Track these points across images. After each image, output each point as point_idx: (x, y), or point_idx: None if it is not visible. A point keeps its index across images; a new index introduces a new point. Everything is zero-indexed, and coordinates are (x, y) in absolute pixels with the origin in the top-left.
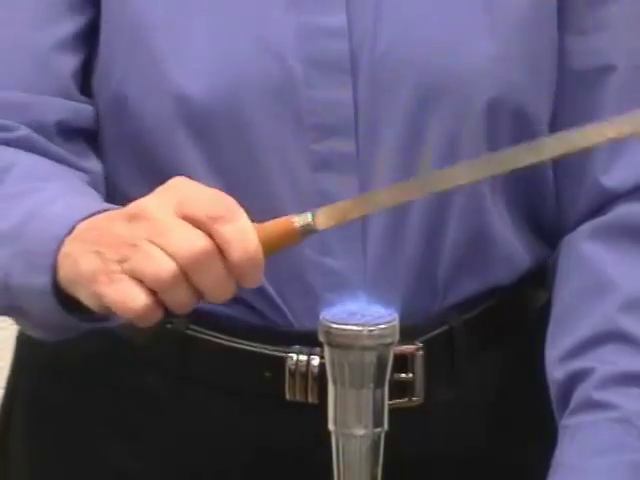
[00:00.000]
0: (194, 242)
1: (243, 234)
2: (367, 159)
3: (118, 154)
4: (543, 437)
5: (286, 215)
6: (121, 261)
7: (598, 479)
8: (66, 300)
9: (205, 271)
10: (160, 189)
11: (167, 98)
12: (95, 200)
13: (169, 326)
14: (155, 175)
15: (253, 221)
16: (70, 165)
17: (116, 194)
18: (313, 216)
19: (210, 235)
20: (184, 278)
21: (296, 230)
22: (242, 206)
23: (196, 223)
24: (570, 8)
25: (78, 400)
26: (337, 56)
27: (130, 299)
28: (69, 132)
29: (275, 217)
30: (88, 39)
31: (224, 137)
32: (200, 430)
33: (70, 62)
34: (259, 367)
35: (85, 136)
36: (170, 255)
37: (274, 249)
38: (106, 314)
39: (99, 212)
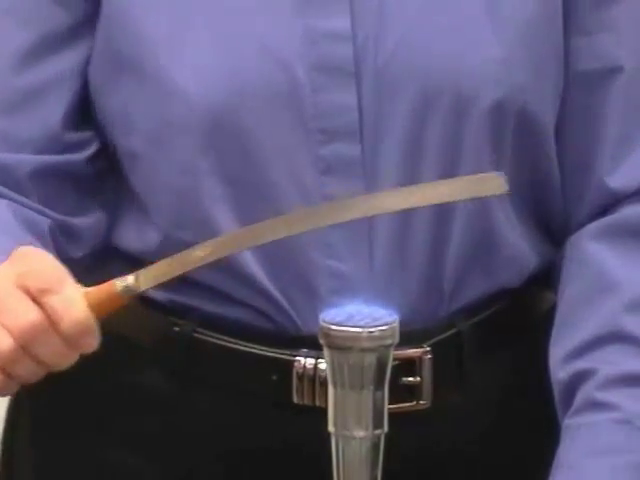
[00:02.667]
0: (25, 316)
1: (69, 304)
2: (372, 162)
3: (131, 167)
4: (550, 438)
5: None
6: None
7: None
8: None
9: (41, 344)
10: (9, 259)
11: (171, 104)
12: None
13: (176, 329)
14: (166, 186)
15: (87, 284)
16: (36, 212)
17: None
18: (136, 277)
19: (41, 307)
20: (23, 352)
21: (118, 293)
22: (249, 211)
23: (32, 296)
24: (575, 9)
25: (83, 401)
26: (341, 60)
27: None
28: (44, 183)
29: None
30: (84, 68)
31: (229, 142)
32: (206, 433)
33: (61, 100)
34: (266, 370)
35: (66, 181)
36: (7, 330)
37: (104, 312)
38: None
39: None
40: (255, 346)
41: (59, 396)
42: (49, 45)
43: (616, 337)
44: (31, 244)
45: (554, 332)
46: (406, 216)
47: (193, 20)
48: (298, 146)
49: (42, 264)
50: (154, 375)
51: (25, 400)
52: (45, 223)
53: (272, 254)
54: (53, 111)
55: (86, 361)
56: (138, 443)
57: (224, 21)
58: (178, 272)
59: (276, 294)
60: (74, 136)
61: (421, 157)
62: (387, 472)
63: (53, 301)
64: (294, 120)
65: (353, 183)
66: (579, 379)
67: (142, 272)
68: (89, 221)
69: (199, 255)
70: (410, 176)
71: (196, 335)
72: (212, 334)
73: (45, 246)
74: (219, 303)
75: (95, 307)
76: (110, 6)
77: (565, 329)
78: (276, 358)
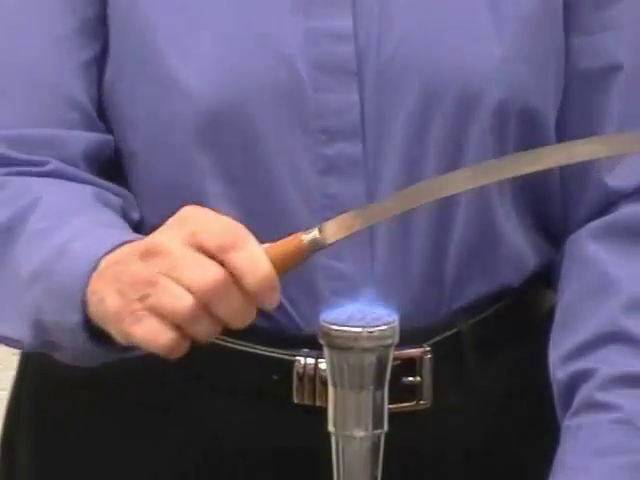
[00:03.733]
0: (207, 274)
1: (254, 260)
2: (374, 162)
3: (130, 164)
4: (550, 438)
5: (293, 219)
6: (142, 299)
7: None
8: (98, 333)
9: (222, 301)
10: (171, 221)
11: (172, 102)
12: (120, 231)
13: None
14: (165, 184)
15: (263, 242)
16: (103, 189)
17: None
18: (320, 230)
19: (223, 264)
20: (203, 310)
21: (305, 246)
22: (250, 210)
23: (209, 253)
24: (576, 8)
25: (83, 401)
26: (343, 59)
27: (157, 337)
28: (94, 162)
29: (282, 221)
30: (102, 63)
31: (231, 141)
32: (206, 432)
33: (90, 90)
34: (267, 370)
35: (109, 164)
36: (186, 289)
37: (287, 268)
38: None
39: (121, 245)
40: (255, 346)
41: (58, 396)
42: (87, 31)
43: (616, 337)
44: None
45: (553, 332)
46: (406, 216)
47: (195, 18)
48: (299, 145)
49: (216, 221)
50: (153, 375)
51: (25, 400)
52: (117, 202)
53: None
54: (87, 94)
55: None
56: (137, 442)
57: (226, 20)
58: (363, 224)
59: None
60: (102, 126)
61: (423, 157)
62: (387, 472)
63: (236, 258)
64: (296, 119)
65: (354, 183)
66: (579, 379)
67: (327, 224)
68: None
69: (385, 207)
70: (412, 176)
71: None
72: None
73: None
74: None
75: (279, 262)
76: (114, 4)
77: (564, 329)
78: (276, 358)
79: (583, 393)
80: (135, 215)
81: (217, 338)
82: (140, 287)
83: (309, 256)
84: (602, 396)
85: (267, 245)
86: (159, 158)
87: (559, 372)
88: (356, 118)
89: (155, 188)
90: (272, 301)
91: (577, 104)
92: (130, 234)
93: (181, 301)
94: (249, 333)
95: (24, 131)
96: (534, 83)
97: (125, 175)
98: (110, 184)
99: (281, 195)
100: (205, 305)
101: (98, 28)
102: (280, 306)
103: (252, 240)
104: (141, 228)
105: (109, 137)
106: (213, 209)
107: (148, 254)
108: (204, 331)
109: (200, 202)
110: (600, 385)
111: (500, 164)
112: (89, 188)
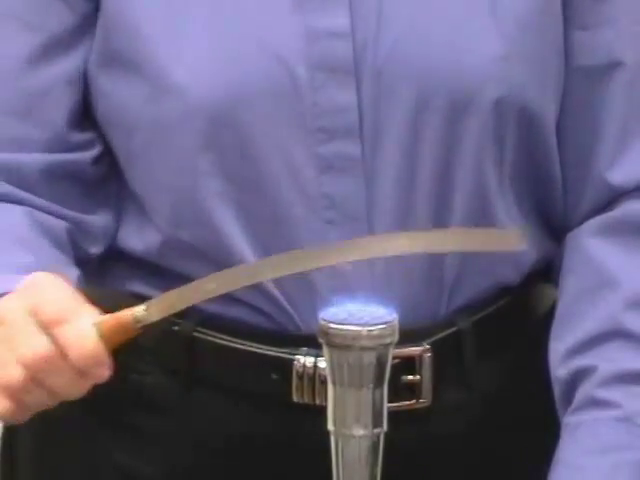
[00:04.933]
0: (36, 347)
1: (80, 336)
2: (372, 161)
3: (129, 167)
4: (550, 435)
5: (292, 218)
6: None
7: (599, 477)
8: None
9: (51, 374)
10: (20, 289)
11: (169, 102)
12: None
13: (176, 328)
14: (164, 186)
15: (248, 238)
16: (52, 213)
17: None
18: (147, 307)
19: (52, 338)
20: (34, 382)
21: (131, 322)
22: (248, 210)
23: (43, 326)
24: (576, 4)
25: (83, 401)
26: (341, 59)
27: None
28: (54, 183)
29: (280, 220)
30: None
31: (228, 140)
32: (206, 431)
33: (66, 101)
34: (266, 369)
35: (75, 181)
36: (17, 361)
37: (116, 342)
38: None
39: None
40: (255, 345)
41: None
42: (55, 46)
43: (616, 334)
44: (49, 255)
45: (554, 329)
46: (405, 214)
47: (191, 18)
48: (297, 145)
49: (55, 294)
50: (154, 374)
51: None
52: (62, 227)
53: (272, 253)
54: (59, 111)
55: None
56: (138, 442)
57: (223, 19)
58: (188, 303)
59: (276, 293)
60: (80, 136)
61: (421, 155)
62: (387, 471)
63: (64, 333)
64: (294, 119)
65: (353, 182)
66: (579, 376)
67: (153, 302)
68: (100, 219)
69: (210, 287)
70: (409, 175)
71: (196, 334)
72: (212, 333)
73: (63, 251)
74: (219, 302)
75: (106, 338)
76: (108, 5)
77: (565, 326)
78: (276, 357)
79: (583, 390)
80: (90, 246)
81: (217, 337)
82: None
83: (136, 332)
84: (602, 393)
85: (99, 318)
86: (157, 160)
87: (559, 369)
88: (354, 117)
89: (154, 190)
90: (100, 376)
91: (577, 101)
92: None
93: (11, 373)
94: (249, 332)
95: None
96: (533, 82)
97: (125, 178)
98: (61, 210)
99: (279, 195)
100: (35, 378)
101: (73, 41)
102: (279, 305)
103: (84, 315)
104: (148, 229)
105: (76, 155)
106: (212, 209)
107: None
108: (38, 402)
109: (199, 202)
110: (600, 382)
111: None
112: (26, 211)
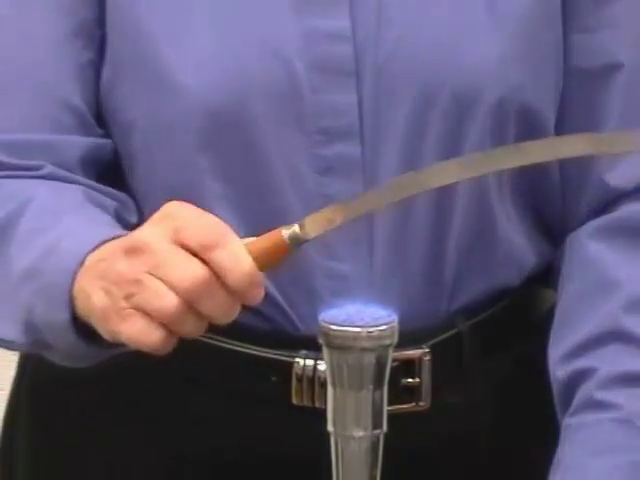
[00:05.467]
0: (191, 273)
1: (236, 258)
2: (372, 162)
3: (130, 167)
4: (550, 438)
5: (292, 219)
6: (127, 297)
7: (599, 479)
8: (87, 332)
9: (207, 299)
10: (155, 217)
11: (171, 102)
12: (107, 228)
13: None
14: (165, 185)
15: (247, 236)
16: (96, 191)
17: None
18: (301, 225)
19: (205, 262)
20: (189, 308)
21: (285, 241)
22: (249, 211)
23: (192, 251)
24: (575, 6)
25: (82, 401)
26: (341, 60)
27: (144, 335)
28: (91, 167)
29: (281, 222)
30: (99, 66)
31: (230, 141)
32: (205, 434)
33: (86, 93)
34: (265, 372)
35: (107, 168)
36: (171, 288)
37: (270, 263)
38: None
39: (107, 241)
40: (254, 347)
41: (58, 397)
42: (85, 32)
43: (616, 336)
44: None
45: (553, 331)
46: (405, 216)
47: (193, 18)
48: (298, 146)
49: (199, 219)
50: (152, 376)
51: (25, 399)
52: (111, 205)
53: None
54: (85, 97)
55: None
56: (136, 443)
57: (224, 19)
58: (345, 218)
59: (275, 295)
60: (99, 131)
61: (421, 157)
62: (386, 472)
63: (218, 256)
64: (294, 120)
65: (353, 183)
66: (579, 378)
67: (307, 219)
68: (128, 196)
69: (366, 200)
70: None
71: (194, 336)
72: (210, 335)
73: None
74: None
75: (261, 258)
76: (111, 3)
77: (564, 328)
78: (275, 359)
79: (583, 392)
80: (132, 219)
81: (217, 340)
82: (125, 285)
83: (291, 251)
84: (602, 395)
85: (249, 241)
86: (158, 159)
87: (559, 371)
88: (354, 118)
89: (155, 189)
90: (255, 297)
91: (576, 103)
92: (119, 231)
93: (166, 301)
94: (248, 334)
95: (19, 136)
96: (533, 83)
97: (125, 178)
98: (105, 188)
99: (280, 196)
100: (190, 303)
101: (95, 31)
102: (279, 307)
103: (234, 238)
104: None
105: (106, 141)
106: (212, 209)
107: (132, 251)
108: (191, 328)
109: (199, 202)
110: (600, 384)
111: (487, 157)
112: (80, 189)
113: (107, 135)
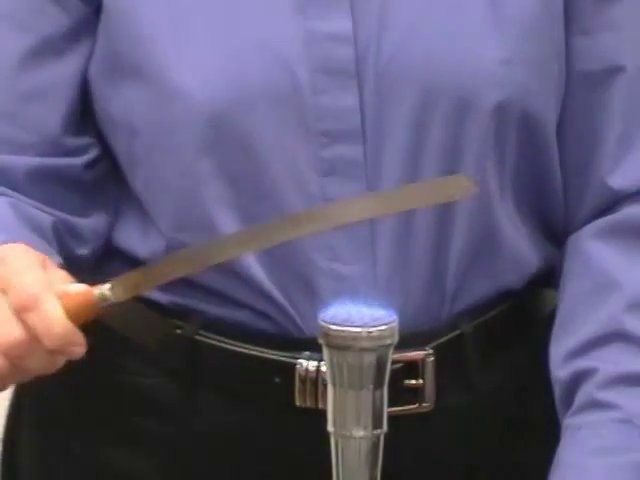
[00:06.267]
0: (10, 334)
1: (49, 322)
2: (374, 164)
3: (132, 171)
4: (551, 438)
5: None
6: None
7: (599, 479)
8: None
9: (28, 357)
10: None
11: (172, 105)
12: None
13: (178, 331)
14: (167, 189)
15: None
16: (37, 209)
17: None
18: (112, 287)
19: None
20: (12, 365)
21: (95, 301)
22: (251, 213)
23: (14, 311)
24: (577, 9)
25: (84, 402)
26: (343, 62)
27: None
28: (41, 182)
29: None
30: (84, 72)
31: (230, 143)
32: (208, 435)
33: (60, 105)
34: (268, 373)
35: (65, 184)
36: None
37: (83, 318)
38: None
39: None
40: (257, 348)
41: (60, 397)
42: (49, 49)
43: (617, 336)
44: (29, 240)
45: (555, 331)
46: (408, 218)
47: (194, 21)
48: (300, 148)
49: (20, 275)
50: (156, 377)
51: (26, 400)
52: (47, 220)
53: (274, 256)
54: (53, 115)
55: (88, 362)
56: (139, 444)
57: (225, 22)
58: (153, 284)
59: (278, 296)
60: (74, 141)
61: (423, 159)
62: (388, 474)
63: (32, 319)
64: (296, 122)
65: (355, 185)
66: (580, 378)
67: (117, 281)
68: (91, 222)
69: (173, 267)
70: (412, 177)
71: (198, 337)
72: (214, 336)
73: (47, 241)
74: (221, 305)
75: (74, 315)
76: (110, 8)
77: (566, 328)
78: (278, 361)
79: (584, 392)
80: (80, 249)
81: (220, 341)
82: None
83: (99, 310)
84: (603, 395)
85: (66, 294)
86: (160, 163)
87: (560, 371)
88: (356, 120)
89: (157, 193)
90: (76, 353)
91: (578, 105)
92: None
93: None
94: (251, 336)
95: None
96: (534, 86)
97: (129, 183)
98: (52, 209)
99: (282, 198)
100: (13, 362)
101: (65, 44)
102: (282, 309)
103: (49, 298)
104: (151, 231)
105: (69, 161)
106: (214, 212)
107: None
108: (13, 380)
109: (201, 205)
110: (601, 384)
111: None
112: (9, 200)
113: (95, 143)
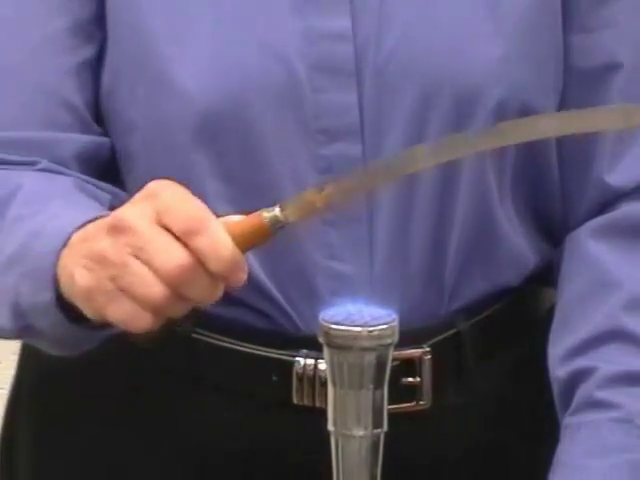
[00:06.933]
0: (175, 259)
1: (216, 245)
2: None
3: (129, 167)
4: (550, 438)
5: None
6: (113, 278)
7: (599, 478)
8: (74, 313)
9: (190, 284)
10: (138, 196)
11: (170, 103)
12: (93, 211)
13: (176, 329)
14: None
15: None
16: (91, 184)
17: None
18: (282, 208)
19: (188, 248)
20: (174, 294)
21: (266, 224)
22: (250, 211)
23: (174, 235)
24: (574, 6)
25: (84, 402)
26: (342, 59)
27: (132, 319)
28: (88, 164)
29: None
30: (98, 66)
31: (230, 142)
32: (205, 433)
33: (83, 92)
34: (266, 371)
35: (105, 167)
36: (155, 273)
37: (251, 245)
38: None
39: (92, 221)
40: (255, 347)
41: (58, 395)
42: (81, 31)
43: (616, 335)
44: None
45: (553, 330)
46: (406, 216)
47: (193, 19)
48: (299, 146)
49: (181, 203)
50: (154, 375)
51: (25, 399)
52: (106, 197)
53: (272, 254)
54: (89, 95)
55: (86, 361)
56: (137, 443)
57: (224, 20)
58: (326, 202)
59: (276, 294)
60: (97, 127)
61: None
62: (387, 472)
63: (199, 243)
64: (295, 120)
65: None
66: (579, 377)
67: (288, 202)
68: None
69: (347, 185)
70: (410, 175)
71: (195, 335)
72: (211, 334)
73: None
74: (218, 303)
75: (242, 240)
76: (112, 4)
77: (565, 327)
78: (276, 359)
79: (583, 391)
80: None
81: (217, 339)
82: (109, 266)
83: (272, 233)
84: (602, 395)
85: (230, 222)
86: (158, 159)
87: (559, 370)
88: (355, 118)
89: None
90: (239, 281)
91: (576, 102)
92: (102, 212)
93: (152, 289)
94: (249, 334)
95: (15, 133)
96: (533, 82)
97: (122, 178)
98: (102, 183)
99: (281, 195)
100: (175, 289)
101: (92, 30)
102: (280, 307)
103: (214, 223)
104: None
105: (104, 140)
106: (212, 209)
107: (116, 230)
108: (177, 311)
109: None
110: (600, 383)
111: (463, 140)
112: (72, 179)
113: (105, 135)
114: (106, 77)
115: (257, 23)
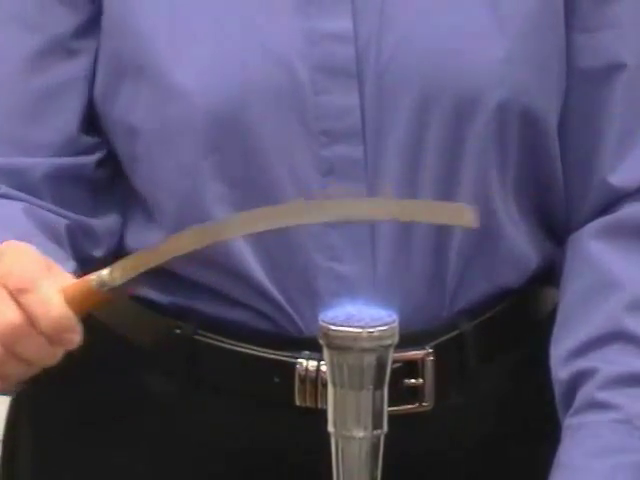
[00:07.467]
0: (6, 317)
1: (45, 303)
2: (375, 164)
3: (132, 168)
4: (551, 438)
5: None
6: None
7: (599, 479)
8: None
9: (23, 342)
10: None
11: (172, 105)
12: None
13: (177, 331)
14: (167, 188)
15: None
16: (52, 212)
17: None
18: (110, 272)
19: (20, 308)
20: (6, 352)
21: (92, 287)
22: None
23: (10, 295)
24: (577, 6)
25: (84, 403)
26: (343, 61)
27: None
28: (63, 185)
29: None
30: (84, 79)
31: (231, 143)
32: (207, 435)
33: (76, 103)
34: (268, 373)
35: (92, 184)
36: None
37: (84, 307)
38: None
39: None
40: (257, 348)
41: (60, 397)
42: (59, 48)
43: (617, 337)
44: (41, 245)
45: (555, 331)
46: None
47: (194, 21)
48: (300, 147)
49: (19, 262)
50: (155, 377)
51: (26, 400)
52: (62, 223)
53: (274, 255)
54: (69, 114)
55: (87, 362)
56: (138, 444)
57: (225, 21)
58: (151, 265)
59: (278, 296)
60: (87, 139)
61: (423, 158)
62: (388, 473)
63: (29, 300)
64: (296, 121)
65: (355, 184)
66: (580, 378)
67: (116, 265)
68: (105, 222)
69: (173, 247)
70: (412, 177)
71: (197, 337)
72: (213, 336)
73: (62, 246)
74: (220, 305)
75: (73, 303)
76: (111, 8)
77: (566, 328)
78: (278, 360)
79: (584, 392)
80: (94, 251)
81: (219, 340)
82: None
83: (102, 296)
84: (603, 396)
85: (63, 285)
86: (161, 163)
87: (560, 371)
88: (356, 120)
89: (159, 193)
90: (72, 341)
91: (579, 103)
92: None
93: None
94: (251, 335)
95: None
96: (536, 84)
97: (110, 192)
98: (66, 212)
99: (282, 197)
100: (7, 348)
101: (74, 45)
102: (281, 309)
103: (47, 282)
104: (153, 230)
105: (86, 160)
106: (215, 212)
107: None
108: (15, 372)
109: (202, 205)
110: (601, 384)
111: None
112: (22, 205)
113: (99, 144)
114: (105, 82)
115: (258, 25)
